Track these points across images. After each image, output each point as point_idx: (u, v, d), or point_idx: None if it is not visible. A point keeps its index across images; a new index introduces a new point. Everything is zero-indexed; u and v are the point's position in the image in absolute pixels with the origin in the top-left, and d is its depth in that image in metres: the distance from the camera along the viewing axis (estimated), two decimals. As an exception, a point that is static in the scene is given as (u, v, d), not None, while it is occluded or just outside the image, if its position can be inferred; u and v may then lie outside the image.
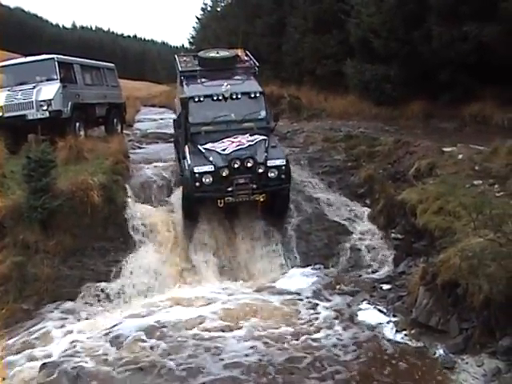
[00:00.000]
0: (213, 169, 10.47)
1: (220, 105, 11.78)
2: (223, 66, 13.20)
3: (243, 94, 11.94)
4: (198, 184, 10.46)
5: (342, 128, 16.77)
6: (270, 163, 10.67)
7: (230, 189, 10.44)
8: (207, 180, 10.45)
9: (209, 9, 47.45)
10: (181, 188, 11.88)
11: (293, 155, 14.50)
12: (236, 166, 10.43)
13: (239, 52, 14.03)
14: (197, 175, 10.44)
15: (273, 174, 10.67)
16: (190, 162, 10.77)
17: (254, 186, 10.51)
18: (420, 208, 9.85)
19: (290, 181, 11.13)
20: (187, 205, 11.28)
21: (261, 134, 11.30)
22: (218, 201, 10.56)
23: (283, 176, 10.76)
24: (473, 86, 15.32)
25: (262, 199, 10.66)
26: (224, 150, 10.74)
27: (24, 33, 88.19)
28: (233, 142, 10.94)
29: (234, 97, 11.82)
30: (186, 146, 11.36)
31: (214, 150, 10.80)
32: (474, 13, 14.00)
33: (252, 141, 11.03)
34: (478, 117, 14.99)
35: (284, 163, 10.79)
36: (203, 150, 10.89)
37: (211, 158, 10.63)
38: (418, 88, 16.96)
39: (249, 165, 10.47)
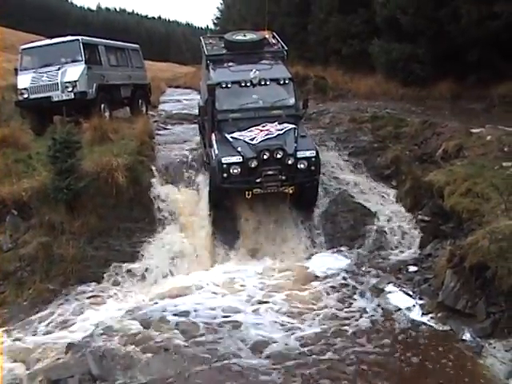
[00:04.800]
0: (241, 160, 10.21)
1: (248, 91, 11.52)
2: (251, 50, 12.85)
3: (272, 80, 11.62)
4: (225, 175, 10.21)
5: (368, 109, 16.53)
6: (300, 154, 10.37)
7: (258, 180, 10.20)
8: (235, 171, 10.19)
9: (233, -11, 47.07)
10: (205, 170, 11.85)
11: (319, 136, 14.36)
12: (265, 157, 10.16)
13: (267, 34, 13.60)
14: (224, 166, 10.19)
15: (302, 166, 10.39)
16: (217, 151, 10.50)
17: (283, 178, 10.25)
18: (447, 190, 9.72)
19: (319, 172, 10.87)
20: (214, 194, 11.08)
21: (290, 123, 11.01)
22: (246, 192, 10.37)
23: (313, 168, 10.49)
24: (501, 65, 14.97)
25: (290, 191, 10.47)
26: (252, 139, 10.47)
27: (49, 16, 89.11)
28: (261, 131, 10.67)
29: (263, 83, 11.50)
30: (213, 134, 11.07)
31: (241, 140, 10.53)
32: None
33: (281, 130, 10.73)
34: (506, 97, 14.65)
35: (314, 154, 10.49)
36: (231, 139, 10.64)
37: (239, 149, 10.37)
38: (445, 68, 16.68)
39: (278, 156, 10.18)
